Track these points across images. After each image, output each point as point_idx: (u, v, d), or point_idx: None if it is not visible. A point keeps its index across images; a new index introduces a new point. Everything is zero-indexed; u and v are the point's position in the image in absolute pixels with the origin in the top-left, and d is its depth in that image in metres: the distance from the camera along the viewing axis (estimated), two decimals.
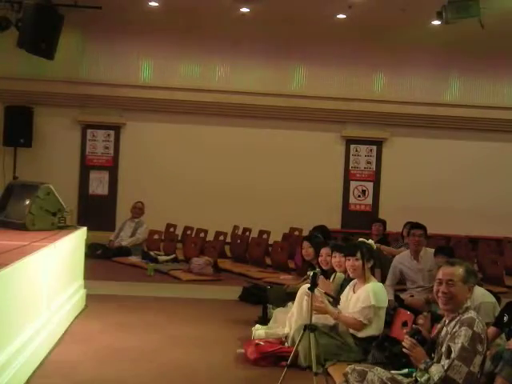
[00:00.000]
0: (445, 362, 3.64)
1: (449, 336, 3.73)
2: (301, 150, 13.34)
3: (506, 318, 4.89)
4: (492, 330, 4.92)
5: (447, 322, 3.85)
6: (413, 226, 7.85)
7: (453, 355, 3.62)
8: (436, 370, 3.64)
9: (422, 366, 3.73)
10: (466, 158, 13.66)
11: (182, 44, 13.02)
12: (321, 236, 7.92)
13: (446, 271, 3.85)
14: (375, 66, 13.45)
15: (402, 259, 7.69)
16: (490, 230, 12.96)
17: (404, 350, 3.83)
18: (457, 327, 3.71)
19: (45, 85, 12.62)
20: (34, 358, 4.98)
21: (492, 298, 5.61)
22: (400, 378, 4.00)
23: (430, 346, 3.88)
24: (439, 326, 3.96)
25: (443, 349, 3.73)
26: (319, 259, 6.57)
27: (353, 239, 7.60)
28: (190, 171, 13.13)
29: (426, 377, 3.69)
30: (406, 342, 3.82)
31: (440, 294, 3.83)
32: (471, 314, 3.75)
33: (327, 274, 6.42)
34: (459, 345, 3.61)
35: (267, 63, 13.22)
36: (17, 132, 12.55)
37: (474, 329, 3.64)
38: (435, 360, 3.78)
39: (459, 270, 3.83)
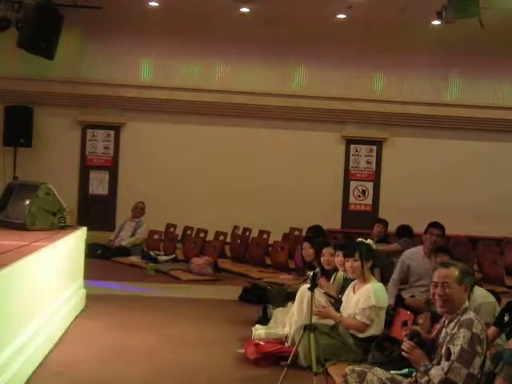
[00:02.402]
0: (444, 365, 3.64)
1: (448, 337, 3.73)
2: (301, 149, 13.34)
3: (506, 318, 4.89)
4: (492, 329, 4.92)
5: (446, 322, 3.85)
6: (431, 224, 7.69)
7: (452, 357, 3.61)
8: (436, 373, 3.64)
9: (421, 369, 3.73)
10: (466, 158, 13.66)
11: (182, 44, 13.01)
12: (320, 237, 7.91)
13: (440, 273, 3.86)
14: (375, 66, 13.45)
15: (413, 255, 7.55)
16: (490, 230, 12.95)
17: (403, 353, 3.83)
18: (456, 329, 3.70)
19: (45, 85, 12.62)
20: (34, 358, 4.98)
21: (492, 298, 5.61)
22: (399, 378, 4.01)
23: (430, 347, 3.88)
24: (439, 326, 3.95)
25: (443, 350, 3.73)
26: (321, 259, 6.54)
27: (353, 238, 7.58)
28: (190, 171, 13.13)
29: (426, 378, 3.69)
30: (405, 344, 3.81)
31: (436, 297, 3.83)
32: (470, 314, 3.75)
33: (328, 274, 6.42)
34: (458, 347, 3.61)
35: (267, 63, 13.22)
36: (17, 132, 12.55)
37: (473, 330, 3.64)
38: (435, 362, 3.77)
39: (454, 272, 3.83)
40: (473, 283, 5.32)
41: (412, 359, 3.79)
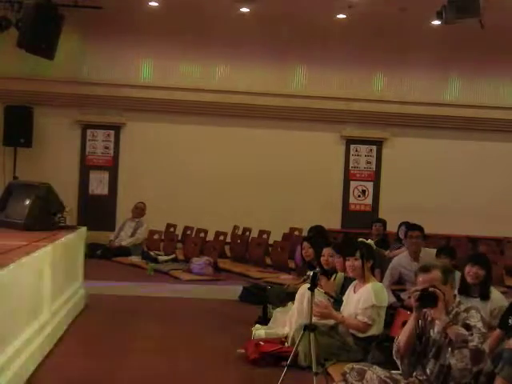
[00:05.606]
0: (471, 338, 3.67)
1: (458, 321, 3.79)
2: (301, 150, 13.33)
3: (511, 321, 4.83)
4: (497, 332, 4.87)
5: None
6: (409, 227, 7.75)
7: (475, 330, 3.70)
8: (461, 354, 3.66)
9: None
10: (466, 158, 13.65)
11: (182, 44, 13.00)
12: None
13: (424, 279, 3.90)
14: (375, 66, 13.44)
15: (401, 261, 7.60)
16: (490, 230, 12.94)
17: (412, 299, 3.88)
18: (463, 313, 3.80)
19: (45, 85, 12.61)
20: (34, 358, 4.98)
21: (506, 303, 5.58)
22: (399, 377, 4.01)
23: (419, 340, 3.93)
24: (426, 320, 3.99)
25: (446, 346, 3.78)
26: (321, 259, 6.56)
27: (352, 239, 7.58)
28: (190, 171, 13.12)
29: (424, 377, 3.71)
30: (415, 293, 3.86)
31: None
32: (467, 305, 3.90)
33: (328, 273, 6.42)
34: (479, 323, 3.74)
35: (267, 63, 13.21)
36: (17, 132, 12.53)
37: (481, 313, 3.84)
38: (430, 355, 3.85)
39: (437, 274, 3.87)
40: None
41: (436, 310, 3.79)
